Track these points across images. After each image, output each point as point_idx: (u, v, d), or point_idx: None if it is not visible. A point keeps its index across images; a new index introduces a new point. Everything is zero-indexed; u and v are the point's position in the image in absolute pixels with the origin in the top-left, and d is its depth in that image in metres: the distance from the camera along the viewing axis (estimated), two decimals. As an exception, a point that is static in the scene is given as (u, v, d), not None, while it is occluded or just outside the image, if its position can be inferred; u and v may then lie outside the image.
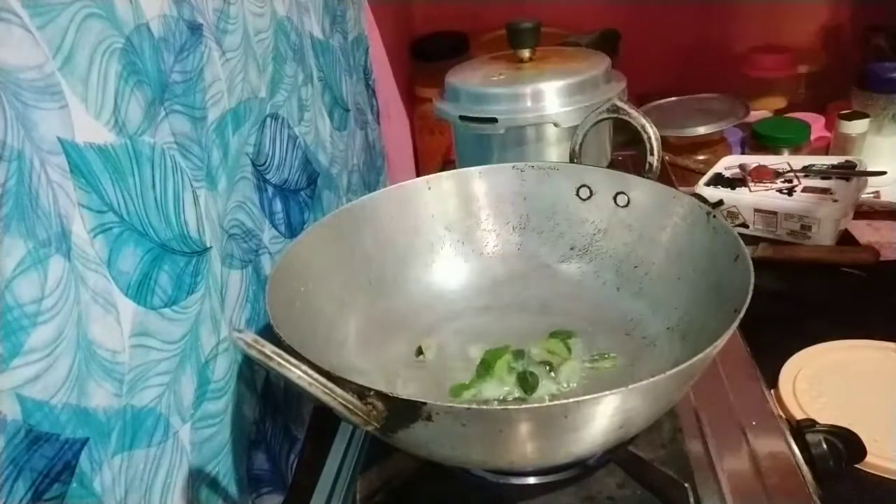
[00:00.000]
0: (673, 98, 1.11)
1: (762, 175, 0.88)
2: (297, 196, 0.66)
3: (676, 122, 1.03)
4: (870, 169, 0.86)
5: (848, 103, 0.98)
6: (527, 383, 0.51)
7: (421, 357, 0.56)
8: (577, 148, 0.66)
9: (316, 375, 0.36)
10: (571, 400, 0.36)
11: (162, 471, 0.41)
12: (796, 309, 0.73)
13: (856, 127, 0.93)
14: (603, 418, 0.38)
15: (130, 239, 0.38)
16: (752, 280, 0.44)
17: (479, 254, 0.65)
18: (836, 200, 0.81)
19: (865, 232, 0.85)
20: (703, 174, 0.93)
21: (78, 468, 0.33)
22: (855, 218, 0.86)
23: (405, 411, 0.37)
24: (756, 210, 0.85)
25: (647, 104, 1.11)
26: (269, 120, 0.60)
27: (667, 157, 0.96)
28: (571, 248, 0.63)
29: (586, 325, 0.58)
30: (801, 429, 0.49)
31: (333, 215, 0.59)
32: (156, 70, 0.42)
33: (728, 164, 0.93)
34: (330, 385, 0.36)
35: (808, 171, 0.88)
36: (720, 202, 0.86)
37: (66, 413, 0.33)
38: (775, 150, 0.99)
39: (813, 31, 1.19)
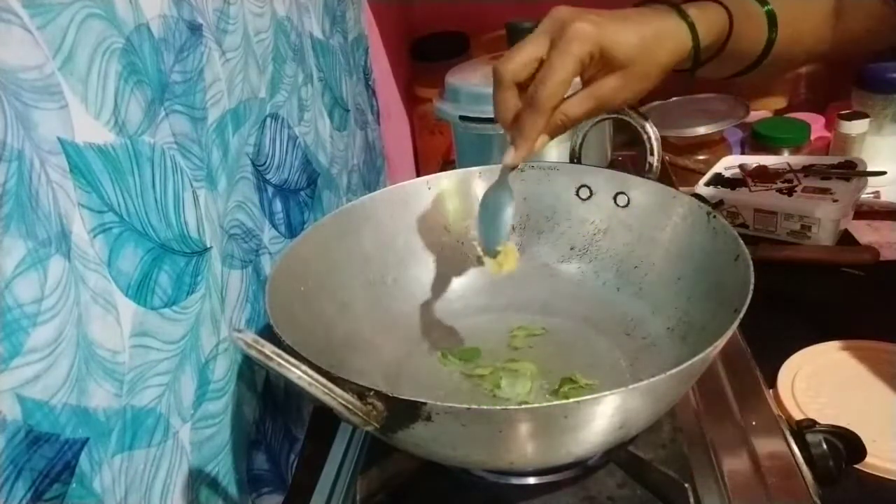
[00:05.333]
0: (673, 98, 1.11)
1: (762, 175, 0.88)
2: (297, 196, 0.66)
3: (676, 122, 1.03)
4: (870, 169, 0.86)
5: (848, 103, 0.98)
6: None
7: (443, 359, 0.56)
8: (577, 148, 0.66)
9: (316, 375, 0.36)
10: (571, 400, 0.36)
11: (162, 471, 0.41)
12: (796, 309, 0.73)
13: (856, 127, 0.93)
14: (603, 418, 0.38)
15: (130, 239, 0.38)
16: (752, 280, 0.44)
17: (478, 254, 0.65)
18: (836, 200, 0.81)
19: (865, 232, 0.85)
20: (703, 174, 0.93)
21: (78, 468, 0.33)
22: (855, 218, 0.86)
23: (405, 411, 0.37)
24: (756, 210, 0.85)
25: (647, 104, 1.11)
26: (269, 120, 0.60)
27: (667, 157, 0.96)
28: (571, 248, 0.63)
29: (586, 325, 0.58)
30: (801, 429, 0.49)
31: (333, 215, 0.59)
32: (156, 70, 0.42)
33: (728, 164, 0.93)
34: (330, 385, 0.36)
35: (808, 171, 0.88)
36: (720, 202, 0.86)
37: (66, 413, 0.33)
38: (775, 150, 0.99)
39: (813, 31, 1.18)
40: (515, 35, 0.79)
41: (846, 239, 0.84)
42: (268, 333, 0.41)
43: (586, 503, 0.46)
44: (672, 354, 0.51)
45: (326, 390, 0.36)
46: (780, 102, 1.16)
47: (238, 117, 0.54)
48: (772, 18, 0.52)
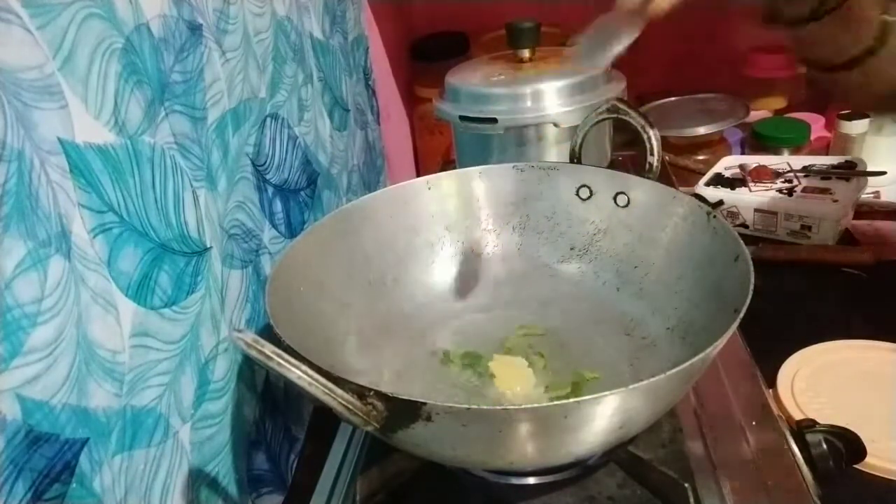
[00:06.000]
0: (673, 98, 1.11)
1: (762, 175, 0.88)
2: (297, 196, 0.66)
3: (676, 122, 1.03)
4: (870, 169, 0.86)
5: (848, 103, 0.98)
6: None
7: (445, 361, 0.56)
8: (577, 148, 0.66)
9: (316, 375, 0.36)
10: (572, 400, 0.36)
11: (162, 471, 0.41)
12: (796, 309, 0.73)
13: (856, 127, 0.93)
14: (603, 418, 0.38)
15: (130, 239, 0.38)
16: (752, 280, 0.44)
17: (478, 254, 0.65)
18: (836, 200, 0.81)
19: (865, 232, 0.85)
20: (703, 174, 0.93)
21: (78, 468, 0.33)
22: (855, 218, 0.86)
23: (405, 411, 0.37)
24: (756, 210, 0.85)
25: (647, 104, 1.11)
26: (269, 120, 0.60)
27: (667, 157, 0.96)
28: (571, 248, 0.63)
29: (586, 325, 0.58)
30: (801, 429, 0.49)
31: (333, 215, 0.59)
32: (156, 70, 0.42)
33: (728, 164, 0.93)
34: (330, 385, 0.36)
35: (808, 171, 0.88)
36: (720, 202, 0.86)
37: (66, 413, 0.33)
38: (775, 150, 0.99)
39: (813, 31, 1.18)
40: (515, 35, 0.79)
41: (846, 239, 0.84)
42: (268, 333, 0.41)
43: (586, 503, 0.46)
44: (672, 354, 0.51)
45: (326, 390, 0.36)
46: (780, 102, 1.16)
47: (238, 117, 0.54)
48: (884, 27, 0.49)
